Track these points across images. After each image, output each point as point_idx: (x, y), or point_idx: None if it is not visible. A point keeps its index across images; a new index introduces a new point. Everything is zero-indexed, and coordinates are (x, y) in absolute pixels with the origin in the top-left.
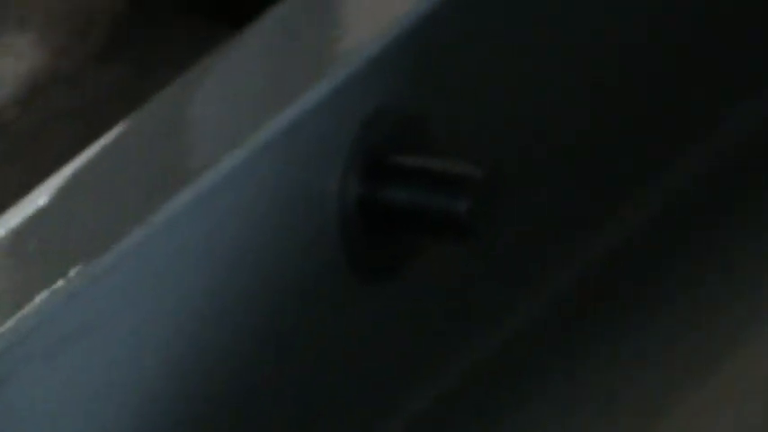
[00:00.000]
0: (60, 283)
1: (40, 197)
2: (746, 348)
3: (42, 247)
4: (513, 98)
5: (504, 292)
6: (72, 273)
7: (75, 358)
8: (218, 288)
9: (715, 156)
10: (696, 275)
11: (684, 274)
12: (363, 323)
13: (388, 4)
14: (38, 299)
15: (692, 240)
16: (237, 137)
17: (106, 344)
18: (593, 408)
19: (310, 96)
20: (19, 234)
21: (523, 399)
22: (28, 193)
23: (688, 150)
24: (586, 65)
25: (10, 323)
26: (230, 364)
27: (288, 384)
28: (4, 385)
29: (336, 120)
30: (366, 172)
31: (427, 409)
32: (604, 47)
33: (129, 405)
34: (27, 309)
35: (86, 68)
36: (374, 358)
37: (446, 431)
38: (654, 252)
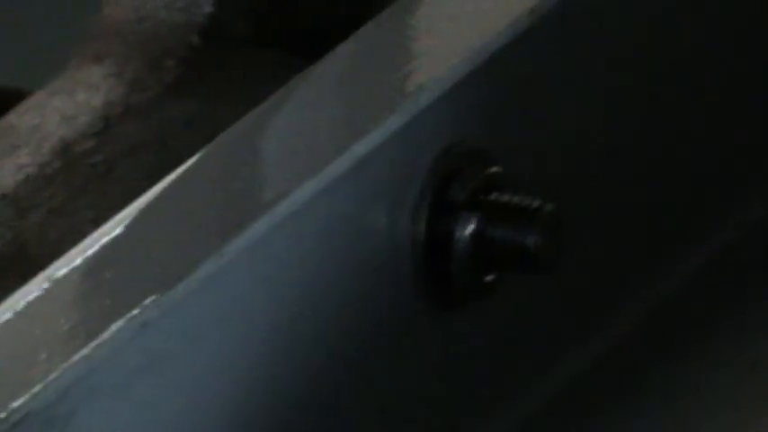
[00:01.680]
0: (134, 313)
1: (115, 227)
2: None
3: (117, 278)
4: (584, 140)
5: (576, 323)
6: (146, 303)
7: (147, 390)
8: (290, 318)
9: None
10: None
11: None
12: (434, 352)
13: (460, 39)
14: (112, 329)
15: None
16: (310, 169)
17: (178, 375)
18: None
19: (383, 129)
20: (94, 264)
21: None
22: (102, 224)
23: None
24: (659, 110)
25: (84, 352)
26: (303, 393)
27: (359, 411)
28: (75, 416)
29: (409, 152)
30: (437, 204)
31: None
32: (679, 92)
33: None
34: (100, 339)
35: (160, 101)
36: (445, 387)
37: None
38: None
